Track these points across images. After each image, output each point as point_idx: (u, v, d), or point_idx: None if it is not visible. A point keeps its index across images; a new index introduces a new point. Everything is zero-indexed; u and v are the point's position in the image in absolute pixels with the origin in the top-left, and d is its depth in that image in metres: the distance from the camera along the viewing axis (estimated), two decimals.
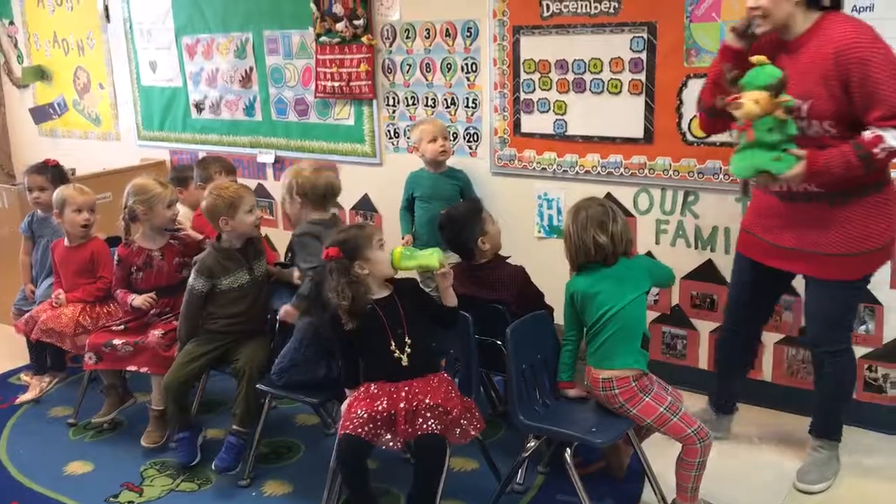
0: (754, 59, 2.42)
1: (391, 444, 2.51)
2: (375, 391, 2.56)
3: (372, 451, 2.55)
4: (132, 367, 3.31)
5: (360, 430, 2.47)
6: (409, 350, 2.58)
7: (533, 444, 2.70)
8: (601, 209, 2.59)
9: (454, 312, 2.67)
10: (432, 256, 2.55)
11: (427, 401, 2.49)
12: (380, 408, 2.50)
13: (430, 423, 2.46)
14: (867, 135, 2.40)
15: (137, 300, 3.30)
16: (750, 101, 2.37)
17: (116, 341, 3.29)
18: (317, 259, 2.89)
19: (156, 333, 3.27)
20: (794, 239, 2.70)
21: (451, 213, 3.13)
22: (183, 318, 3.19)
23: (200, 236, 3.50)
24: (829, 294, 2.71)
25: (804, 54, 2.49)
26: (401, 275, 2.68)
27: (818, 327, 2.78)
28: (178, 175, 4.06)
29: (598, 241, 2.55)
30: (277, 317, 3.09)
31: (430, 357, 2.68)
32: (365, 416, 2.48)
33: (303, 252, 3.06)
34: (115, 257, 3.42)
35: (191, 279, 3.14)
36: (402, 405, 2.50)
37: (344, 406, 2.63)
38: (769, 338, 3.37)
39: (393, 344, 2.57)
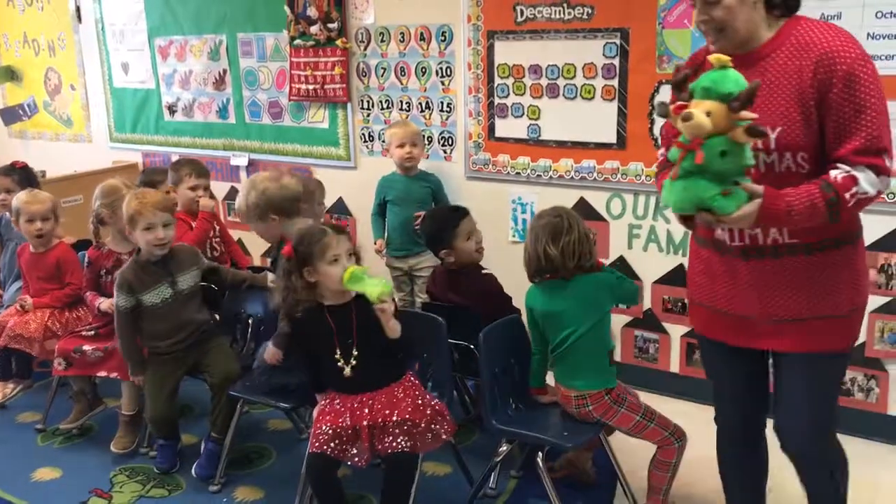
0: (712, 57, 1.82)
1: (356, 459, 2.49)
2: (339, 406, 2.53)
3: (340, 466, 2.53)
4: (102, 373, 3.28)
5: (325, 447, 2.46)
6: (353, 362, 2.50)
7: (505, 447, 2.70)
8: (556, 220, 2.55)
9: (397, 344, 2.51)
10: (375, 288, 2.41)
11: (395, 417, 2.46)
12: (343, 423, 2.48)
13: (399, 440, 2.44)
14: (837, 174, 1.84)
15: (104, 304, 3.25)
16: (701, 113, 1.76)
17: (86, 347, 3.25)
18: None
19: None
20: (759, 302, 2.06)
21: (434, 212, 3.22)
22: (119, 340, 3.09)
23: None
24: (814, 372, 2.06)
25: (770, 68, 1.92)
26: None
27: (802, 425, 2.10)
28: (147, 178, 3.98)
29: (547, 253, 2.53)
30: (264, 357, 2.95)
31: (390, 368, 2.56)
32: (330, 432, 2.47)
33: None
34: (86, 260, 3.38)
35: (114, 297, 3.06)
36: (365, 422, 2.47)
37: (315, 412, 2.61)
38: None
39: (338, 353, 2.52)
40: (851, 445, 2.94)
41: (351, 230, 4.40)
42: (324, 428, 2.48)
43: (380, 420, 2.46)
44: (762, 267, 2.01)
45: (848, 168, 1.85)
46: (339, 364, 2.50)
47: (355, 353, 2.50)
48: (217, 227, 3.81)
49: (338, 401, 2.54)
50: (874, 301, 2.99)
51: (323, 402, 2.59)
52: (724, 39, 1.93)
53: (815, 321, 2.01)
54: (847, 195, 1.83)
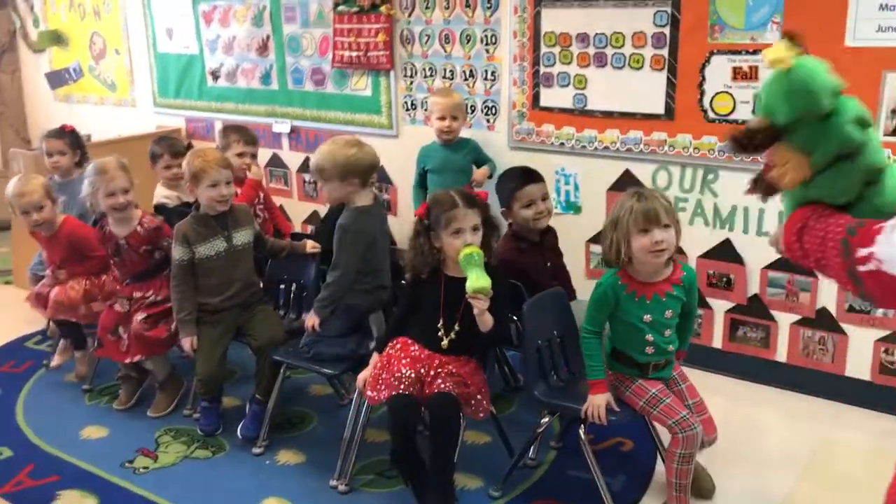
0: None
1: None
2: (416, 352, 2.59)
3: (421, 409, 2.54)
4: (128, 360, 3.32)
5: (410, 388, 2.50)
6: (453, 336, 2.57)
7: (547, 419, 2.70)
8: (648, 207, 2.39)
9: (489, 336, 2.53)
10: (476, 280, 2.41)
11: (451, 368, 2.53)
12: (422, 371, 2.54)
13: (448, 384, 2.49)
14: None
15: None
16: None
17: (121, 329, 3.29)
18: (350, 264, 2.89)
19: (138, 318, 3.26)
20: None
21: (507, 170, 3.33)
22: (173, 292, 3.14)
23: (158, 220, 3.38)
24: None
25: None
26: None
27: None
28: (151, 150, 4.01)
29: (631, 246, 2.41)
30: (306, 325, 2.99)
31: (473, 345, 2.62)
32: (412, 375, 2.52)
33: (342, 251, 2.93)
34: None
35: (172, 250, 3.12)
36: (431, 372, 2.54)
37: (362, 379, 2.65)
38: (784, 318, 3.36)
39: (440, 322, 2.58)
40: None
41: (392, 199, 4.40)
42: (405, 371, 2.53)
43: (440, 370, 2.53)
44: None
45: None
46: (440, 334, 2.57)
47: (457, 328, 2.56)
48: (261, 195, 3.84)
49: (415, 348, 2.60)
50: None
51: (391, 348, 2.64)
52: None
53: None
54: (861, 254, 1.33)
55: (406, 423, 2.52)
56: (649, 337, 2.47)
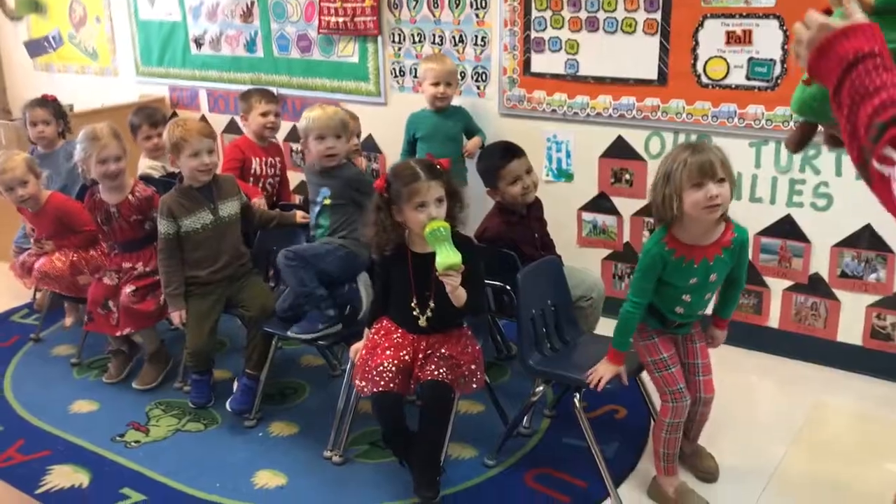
0: None
1: (411, 389, 2.51)
2: (399, 340, 2.51)
3: (404, 400, 2.51)
4: (118, 334, 3.29)
5: (391, 384, 2.43)
6: (429, 314, 2.47)
7: (541, 388, 2.69)
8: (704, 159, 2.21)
9: (465, 310, 2.45)
10: (446, 257, 2.30)
11: (443, 350, 2.46)
12: (406, 358, 2.47)
13: (440, 370, 2.42)
14: None
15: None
16: None
17: (111, 303, 3.25)
18: None
19: (126, 291, 3.22)
20: None
21: (485, 150, 3.35)
22: (160, 266, 3.10)
23: (151, 190, 3.33)
24: None
25: None
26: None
27: None
28: (130, 121, 3.98)
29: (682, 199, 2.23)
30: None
31: (455, 318, 2.53)
32: (394, 369, 2.44)
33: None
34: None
35: (158, 224, 3.07)
36: (419, 356, 2.47)
37: (355, 350, 2.61)
38: (777, 284, 3.35)
39: (414, 301, 2.49)
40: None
41: (380, 167, 4.35)
42: (386, 364, 2.44)
43: (429, 352, 2.47)
44: None
45: None
46: (415, 313, 2.48)
47: (432, 305, 2.47)
48: (279, 165, 3.84)
49: (397, 334, 2.53)
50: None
51: (376, 334, 2.57)
52: None
53: None
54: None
55: (390, 419, 2.48)
56: (687, 297, 2.37)
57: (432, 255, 2.34)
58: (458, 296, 2.37)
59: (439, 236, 2.33)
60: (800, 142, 1.49)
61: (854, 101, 1.12)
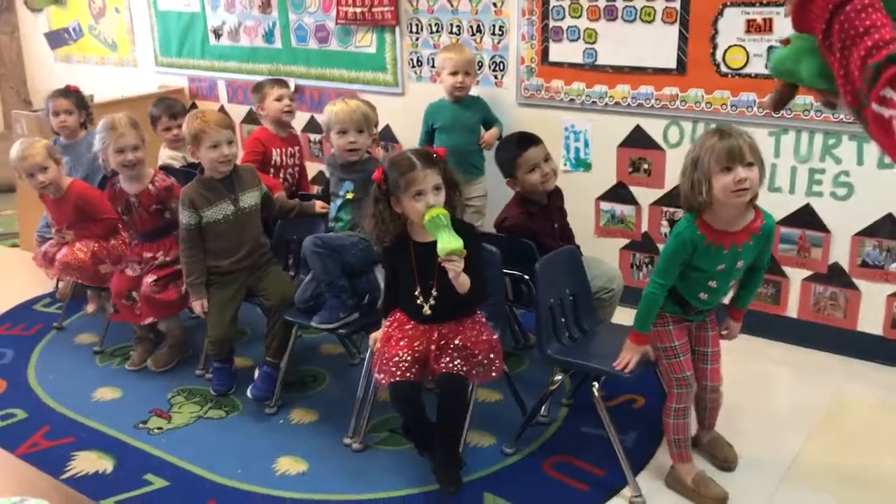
0: None
1: (429, 380, 2.53)
2: (411, 331, 2.52)
3: (422, 390, 2.52)
4: (142, 323, 3.34)
5: (407, 374, 2.44)
6: (433, 302, 2.47)
7: (560, 377, 2.70)
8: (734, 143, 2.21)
9: (469, 297, 2.45)
10: (447, 243, 2.30)
11: (457, 341, 2.46)
12: (420, 348, 2.48)
13: (455, 362, 2.43)
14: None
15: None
16: None
17: (135, 294, 3.29)
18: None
19: (148, 281, 3.25)
20: None
21: (503, 140, 3.30)
22: (182, 256, 3.13)
23: (171, 180, 3.35)
24: None
25: None
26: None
27: None
28: (150, 112, 4.01)
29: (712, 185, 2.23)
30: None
31: (461, 306, 2.51)
32: (409, 359, 2.45)
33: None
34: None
35: (179, 215, 3.09)
36: (433, 347, 2.48)
37: (379, 335, 2.62)
38: (796, 274, 3.34)
39: (418, 290, 2.50)
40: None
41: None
42: (402, 355, 2.46)
43: (443, 342, 2.47)
44: None
45: None
46: (419, 302, 2.49)
47: (435, 293, 2.47)
48: (297, 155, 3.85)
49: (409, 325, 2.54)
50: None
51: (389, 326, 2.58)
52: None
53: None
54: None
55: (408, 408, 2.50)
56: (713, 283, 2.36)
57: (434, 244, 2.36)
58: (462, 282, 2.39)
59: (439, 223, 2.35)
60: (778, 101, 1.50)
61: (845, 44, 1.10)
